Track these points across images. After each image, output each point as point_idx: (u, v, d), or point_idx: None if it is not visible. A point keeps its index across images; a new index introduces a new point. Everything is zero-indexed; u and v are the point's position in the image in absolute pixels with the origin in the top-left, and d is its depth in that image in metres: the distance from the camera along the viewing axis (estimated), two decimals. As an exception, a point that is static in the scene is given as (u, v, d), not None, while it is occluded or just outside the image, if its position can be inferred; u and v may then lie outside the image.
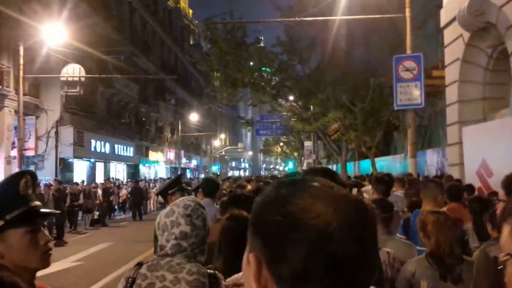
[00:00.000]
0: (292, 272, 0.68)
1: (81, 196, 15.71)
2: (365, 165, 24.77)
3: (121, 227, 17.91)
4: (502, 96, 9.34)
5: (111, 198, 18.70)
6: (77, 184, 16.92)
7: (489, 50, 9.03)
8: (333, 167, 33.42)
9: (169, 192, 4.05)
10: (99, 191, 18.06)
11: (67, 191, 15.43)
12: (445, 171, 14.84)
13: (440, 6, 11.68)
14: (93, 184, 19.78)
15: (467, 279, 2.68)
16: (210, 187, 5.14)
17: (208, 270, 1.98)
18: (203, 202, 4.78)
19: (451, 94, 10.09)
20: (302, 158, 42.57)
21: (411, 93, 11.82)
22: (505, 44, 8.23)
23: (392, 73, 16.68)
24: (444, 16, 10.35)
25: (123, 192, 19.90)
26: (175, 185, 4.12)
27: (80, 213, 17.01)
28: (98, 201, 17.54)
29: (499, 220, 1.24)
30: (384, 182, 5.33)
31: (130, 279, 1.92)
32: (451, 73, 10.15)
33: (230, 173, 76.28)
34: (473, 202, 4.38)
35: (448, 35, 10.31)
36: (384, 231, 3.41)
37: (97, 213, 17.17)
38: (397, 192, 6.46)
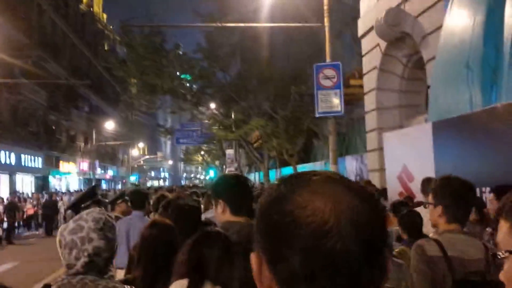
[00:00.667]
0: (291, 273, 0.66)
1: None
2: (287, 172, 25.09)
3: (28, 244, 16.35)
4: (417, 103, 9.74)
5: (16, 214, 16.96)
6: None
7: (404, 59, 9.38)
8: (256, 175, 33.55)
9: (82, 205, 3.58)
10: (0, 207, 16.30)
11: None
12: (364, 176, 15.33)
13: (356, 17, 12.04)
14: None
15: (396, 279, 2.67)
16: (139, 199, 4.90)
17: (124, 285, 1.92)
18: (133, 215, 4.61)
19: (370, 101, 10.37)
20: (224, 166, 42.37)
21: (331, 101, 11.99)
22: (420, 53, 8.57)
23: (312, 81, 17.03)
24: (362, 26, 10.65)
25: (27, 206, 18.06)
26: (89, 197, 3.72)
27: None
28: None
29: (496, 216, 1.15)
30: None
31: None
32: (369, 81, 10.43)
33: (149, 183, 74.05)
34: (398, 205, 4.63)
35: (366, 44, 10.60)
36: None
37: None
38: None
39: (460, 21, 6.45)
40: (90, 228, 1.82)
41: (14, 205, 16.46)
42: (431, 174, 6.35)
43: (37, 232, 19.62)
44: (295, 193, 0.69)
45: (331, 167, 11.98)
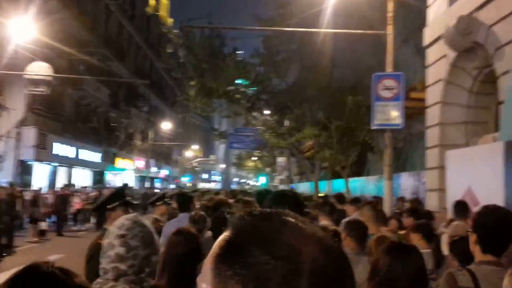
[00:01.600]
0: None
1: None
2: (338, 184, 24.37)
3: (77, 237, 16.67)
4: (485, 120, 8.97)
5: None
6: (2, 187, 14.77)
7: (474, 72, 8.65)
8: (306, 185, 32.97)
9: (108, 207, 3.25)
10: (50, 198, 16.65)
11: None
12: (420, 195, 14.49)
13: (422, 26, 11.37)
14: (45, 191, 18.68)
15: None
16: (186, 201, 5.19)
17: None
18: (180, 217, 4.87)
19: (432, 115, 9.67)
20: (274, 174, 42.10)
21: (389, 113, 11.39)
22: (491, 67, 7.85)
23: (370, 92, 16.37)
24: (429, 34, 9.98)
25: (75, 200, 18.46)
26: (116, 199, 3.30)
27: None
28: (46, 210, 16.04)
29: None
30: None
31: None
32: (433, 94, 9.74)
33: (200, 185, 75.07)
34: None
35: (432, 54, 9.92)
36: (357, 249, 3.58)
37: (44, 223, 15.40)
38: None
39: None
40: (114, 234, 1.82)
41: (64, 198, 16.88)
42: (500, 198, 5.69)
43: (89, 225, 20.10)
44: (284, 234, 0.68)
45: (385, 183, 11.33)
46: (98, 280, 1.84)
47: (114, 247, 1.79)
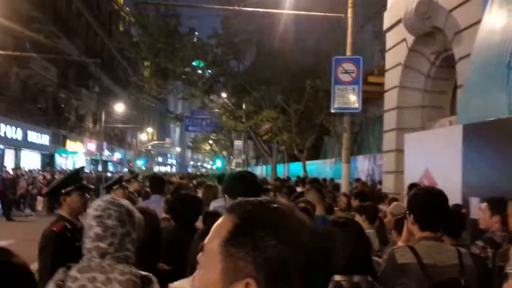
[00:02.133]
0: None
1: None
2: (295, 168, 24.58)
3: (28, 222, 15.89)
4: (440, 104, 9.16)
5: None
6: None
7: (432, 56, 8.78)
8: (263, 168, 33.07)
9: (63, 191, 3.01)
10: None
11: None
12: (376, 178, 14.80)
13: (380, 11, 11.43)
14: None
15: None
16: (159, 183, 5.36)
17: (142, 272, 1.93)
18: (152, 199, 5.09)
19: (390, 99, 9.79)
20: (231, 157, 41.97)
21: (348, 97, 11.48)
22: (449, 51, 7.98)
23: (328, 76, 16.43)
24: (388, 18, 10.04)
25: (21, 184, 17.48)
26: (72, 182, 3.07)
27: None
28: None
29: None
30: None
31: (59, 282, 1.87)
32: (392, 78, 9.85)
33: (156, 169, 73.89)
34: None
35: (391, 38, 10.00)
36: None
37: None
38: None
39: (502, 18, 5.85)
40: (90, 215, 1.91)
41: (12, 181, 16.00)
42: (457, 180, 5.81)
43: (38, 210, 19.21)
44: (287, 219, 0.84)
45: (343, 166, 11.45)
46: (84, 258, 1.91)
47: (92, 227, 1.89)
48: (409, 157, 7.22)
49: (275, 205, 0.82)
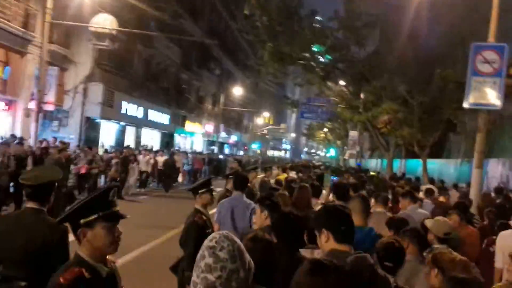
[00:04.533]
0: None
1: (29, 161, 11.18)
2: (413, 165, 22.31)
3: (138, 202, 16.16)
4: None
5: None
6: (21, 143, 12.18)
7: None
8: (378, 162, 30.92)
9: (199, 191, 4.59)
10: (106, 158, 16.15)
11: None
12: (511, 185, 12.48)
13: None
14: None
15: None
16: (242, 180, 5.50)
17: None
18: (234, 196, 5.40)
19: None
20: (345, 148, 40.31)
21: (487, 91, 9.56)
22: None
23: (461, 66, 14.13)
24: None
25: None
26: (206, 186, 4.66)
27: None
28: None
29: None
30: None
31: None
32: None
33: (270, 153, 74.58)
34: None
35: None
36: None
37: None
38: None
39: None
40: (205, 246, 1.89)
41: (126, 160, 16.36)
42: None
43: (148, 191, 19.78)
44: None
45: (474, 171, 9.58)
46: None
47: (204, 257, 1.87)
48: None
49: None
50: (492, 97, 9.41)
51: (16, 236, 2.94)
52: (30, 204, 3.05)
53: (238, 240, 1.94)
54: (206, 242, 1.90)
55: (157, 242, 9.62)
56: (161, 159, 21.47)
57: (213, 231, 4.34)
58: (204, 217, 4.57)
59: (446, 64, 14.71)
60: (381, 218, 5.04)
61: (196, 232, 4.34)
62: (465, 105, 9.62)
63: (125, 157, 16.64)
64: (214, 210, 5.35)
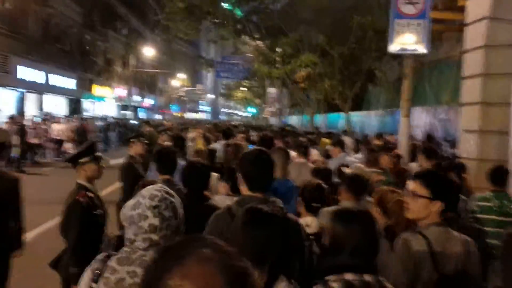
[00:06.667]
0: None
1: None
2: (334, 119, 22.42)
3: (40, 175, 14.45)
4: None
5: (28, 139, 14.88)
6: None
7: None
8: (300, 119, 30.96)
9: (80, 161, 3.52)
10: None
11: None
12: (438, 133, 12.64)
13: None
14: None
15: None
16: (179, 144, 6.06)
17: None
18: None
19: (474, 36, 7.42)
20: (264, 105, 40.08)
21: (411, 34, 9.24)
22: None
23: (381, 12, 13.89)
24: None
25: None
26: (88, 153, 3.56)
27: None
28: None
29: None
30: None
31: (97, 271, 1.81)
32: (476, 8, 7.44)
33: (187, 115, 72.86)
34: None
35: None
36: None
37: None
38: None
39: None
40: (146, 206, 1.81)
41: (23, 130, 14.44)
42: None
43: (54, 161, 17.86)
44: (166, 277, 0.76)
45: (402, 120, 9.33)
46: (125, 249, 1.84)
47: (148, 218, 1.80)
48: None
49: None
50: (417, 40, 9.11)
51: None
52: None
53: (175, 194, 1.92)
54: (146, 201, 1.81)
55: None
56: (57, 126, 19.03)
57: (102, 212, 3.47)
58: (91, 194, 3.45)
59: (363, 12, 14.39)
60: (302, 167, 5.39)
61: (80, 215, 3.25)
62: (390, 50, 9.25)
63: (21, 126, 14.68)
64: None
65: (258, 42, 21.73)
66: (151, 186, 1.93)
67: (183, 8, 18.26)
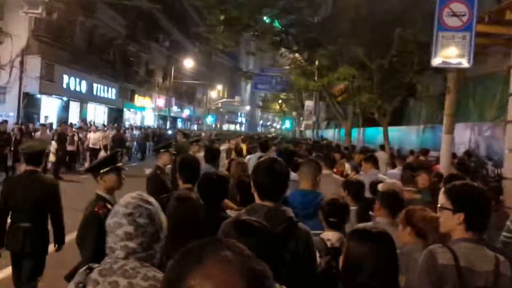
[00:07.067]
0: None
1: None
2: (372, 133, 21.98)
3: (77, 182, 14.62)
4: None
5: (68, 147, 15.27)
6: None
7: None
8: (335, 132, 30.59)
9: (101, 171, 3.38)
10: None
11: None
12: (480, 152, 12.12)
13: None
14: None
15: None
16: (212, 154, 5.82)
17: None
18: (203, 169, 4.79)
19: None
20: (301, 118, 39.88)
21: (456, 48, 8.88)
22: None
23: (421, 24, 13.55)
24: None
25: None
26: (109, 163, 3.45)
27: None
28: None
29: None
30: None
31: (80, 285, 1.80)
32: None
33: (225, 127, 73.45)
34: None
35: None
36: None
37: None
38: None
39: None
40: (121, 213, 1.82)
41: (63, 136, 14.81)
42: None
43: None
44: (187, 277, 0.77)
45: (444, 137, 8.94)
46: (107, 259, 1.84)
47: (122, 225, 1.81)
48: None
49: None
50: (461, 53, 8.76)
51: (18, 191, 4.14)
52: (28, 167, 4.26)
53: (151, 199, 1.91)
54: (121, 209, 1.83)
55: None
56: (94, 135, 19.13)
57: None
58: (109, 206, 3.26)
59: (404, 24, 14.08)
60: (328, 180, 5.27)
61: (97, 227, 3.04)
62: (433, 63, 8.94)
63: (60, 133, 15.09)
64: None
65: (296, 54, 21.68)
66: (128, 194, 1.93)
67: (223, 20, 18.47)
